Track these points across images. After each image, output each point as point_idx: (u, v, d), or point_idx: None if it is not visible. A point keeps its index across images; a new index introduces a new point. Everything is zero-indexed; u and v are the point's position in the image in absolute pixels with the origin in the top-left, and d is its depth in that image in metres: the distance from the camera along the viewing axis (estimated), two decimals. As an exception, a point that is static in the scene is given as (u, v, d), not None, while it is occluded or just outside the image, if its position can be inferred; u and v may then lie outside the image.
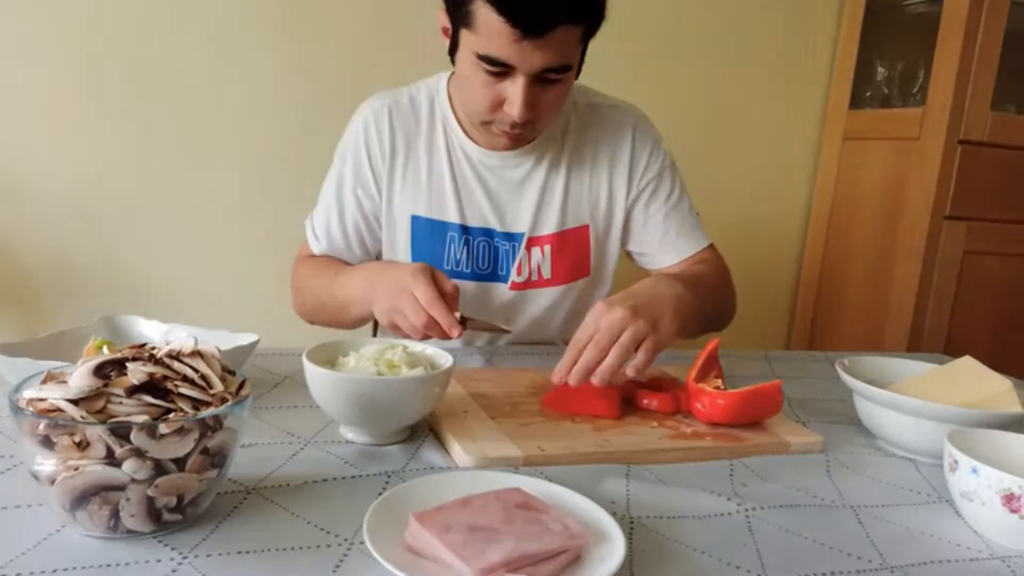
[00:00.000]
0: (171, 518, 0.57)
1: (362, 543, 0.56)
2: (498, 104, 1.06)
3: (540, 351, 1.21)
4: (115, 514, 0.54)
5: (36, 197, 1.83)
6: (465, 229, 1.21)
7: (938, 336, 2.10)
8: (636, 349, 0.88)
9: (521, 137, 1.13)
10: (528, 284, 1.23)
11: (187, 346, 0.59)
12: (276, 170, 1.98)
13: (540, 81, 1.03)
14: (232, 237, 1.99)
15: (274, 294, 2.01)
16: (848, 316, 2.33)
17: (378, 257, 1.27)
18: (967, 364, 0.91)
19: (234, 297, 2.01)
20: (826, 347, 2.34)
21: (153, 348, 0.60)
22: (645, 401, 0.95)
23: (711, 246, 1.28)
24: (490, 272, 1.23)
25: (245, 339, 0.89)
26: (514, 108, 1.03)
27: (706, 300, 1.07)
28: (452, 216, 1.20)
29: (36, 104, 1.80)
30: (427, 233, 1.20)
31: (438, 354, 0.83)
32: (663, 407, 0.93)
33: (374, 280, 1.03)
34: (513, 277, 1.22)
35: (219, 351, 0.62)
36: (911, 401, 0.82)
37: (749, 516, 0.68)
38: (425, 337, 0.94)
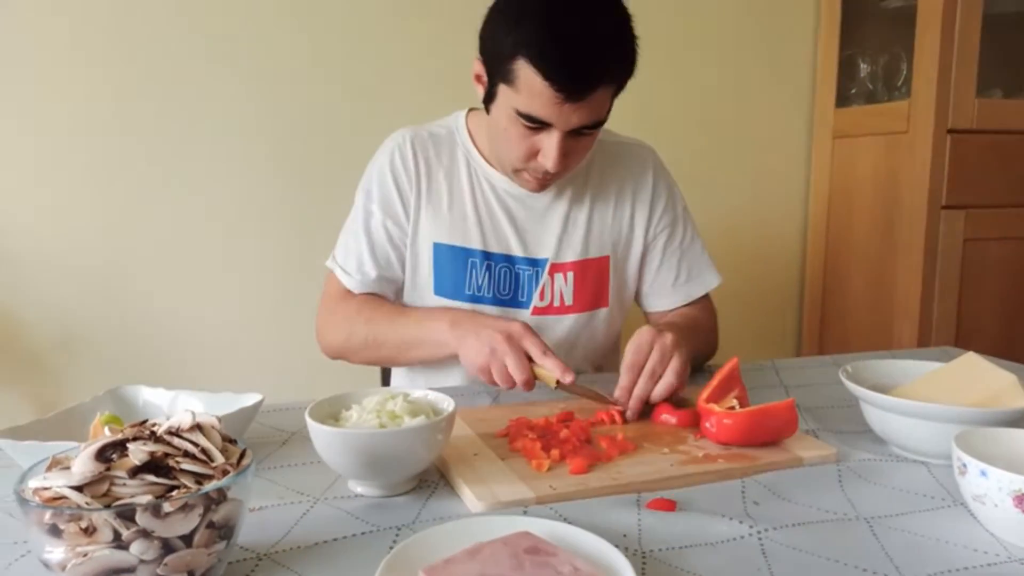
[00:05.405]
0: (183, 594, 0.57)
1: (374, 603, 0.56)
2: (532, 155, 1.11)
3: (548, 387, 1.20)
4: (127, 596, 0.54)
5: (40, 266, 1.86)
6: (487, 255, 1.24)
7: (947, 327, 2.08)
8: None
9: (550, 182, 1.19)
10: (549, 309, 1.26)
11: (186, 421, 0.59)
12: (282, 226, 2.01)
13: (574, 134, 1.08)
14: (240, 293, 2.01)
15: (285, 349, 2.03)
16: (856, 315, 2.32)
17: (401, 287, 1.29)
18: (971, 360, 0.91)
19: (242, 354, 2.02)
20: (837, 348, 2.33)
21: (153, 425, 0.60)
22: (664, 416, 0.98)
23: (707, 294, 1.34)
24: (511, 298, 1.26)
25: (249, 400, 0.89)
26: (548, 161, 1.09)
27: (695, 346, 1.15)
28: (475, 243, 1.24)
29: (39, 170, 1.82)
30: (449, 260, 1.24)
31: (439, 399, 0.83)
32: (683, 423, 0.96)
33: (464, 326, 1.09)
34: (535, 302, 1.26)
35: (219, 420, 0.62)
36: (916, 404, 0.81)
37: (762, 538, 0.67)
38: (512, 387, 1.03)
